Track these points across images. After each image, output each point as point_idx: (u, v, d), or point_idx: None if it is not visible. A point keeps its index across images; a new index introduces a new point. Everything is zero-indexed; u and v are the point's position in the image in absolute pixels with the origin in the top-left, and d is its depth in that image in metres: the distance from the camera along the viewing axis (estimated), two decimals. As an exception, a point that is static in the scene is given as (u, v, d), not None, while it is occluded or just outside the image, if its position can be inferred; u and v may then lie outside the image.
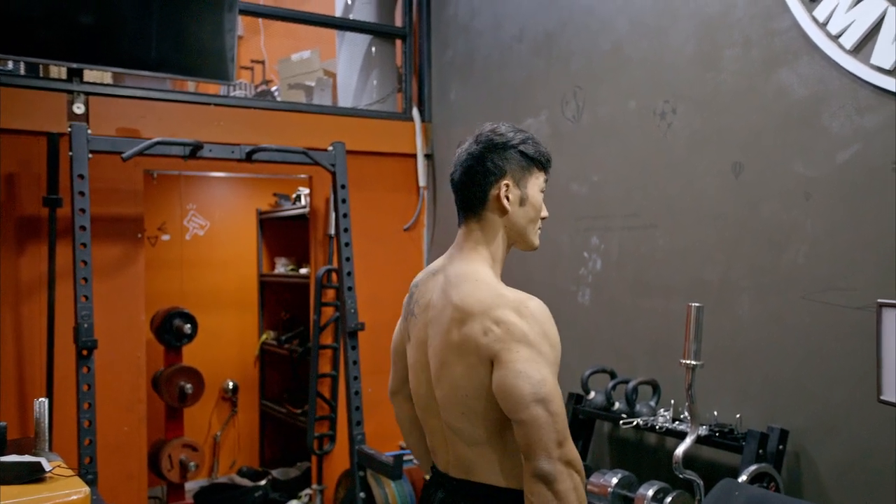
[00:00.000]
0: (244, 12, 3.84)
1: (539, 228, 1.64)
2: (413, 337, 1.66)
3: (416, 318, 1.65)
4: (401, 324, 1.75)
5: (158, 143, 3.13)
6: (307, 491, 4.22)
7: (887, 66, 2.08)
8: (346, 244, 3.53)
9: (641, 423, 2.58)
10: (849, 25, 2.17)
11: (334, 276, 3.92)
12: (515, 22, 3.55)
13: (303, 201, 4.65)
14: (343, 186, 3.53)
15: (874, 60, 2.11)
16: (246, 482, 4.86)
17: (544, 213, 1.64)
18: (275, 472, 4.91)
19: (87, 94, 3.29)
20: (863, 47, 2.15)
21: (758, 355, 2.45)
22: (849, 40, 2.17)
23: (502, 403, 1.45)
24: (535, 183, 1.61)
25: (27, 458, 2.10)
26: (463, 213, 1.62)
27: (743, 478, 2.14)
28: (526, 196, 1.60)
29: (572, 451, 1.42)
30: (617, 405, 2.75)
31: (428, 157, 4.19)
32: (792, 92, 2.35)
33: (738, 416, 2.42)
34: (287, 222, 5.25)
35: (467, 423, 1.53)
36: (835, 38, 2.21)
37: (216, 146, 3.30)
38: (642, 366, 2.84)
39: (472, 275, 1.54)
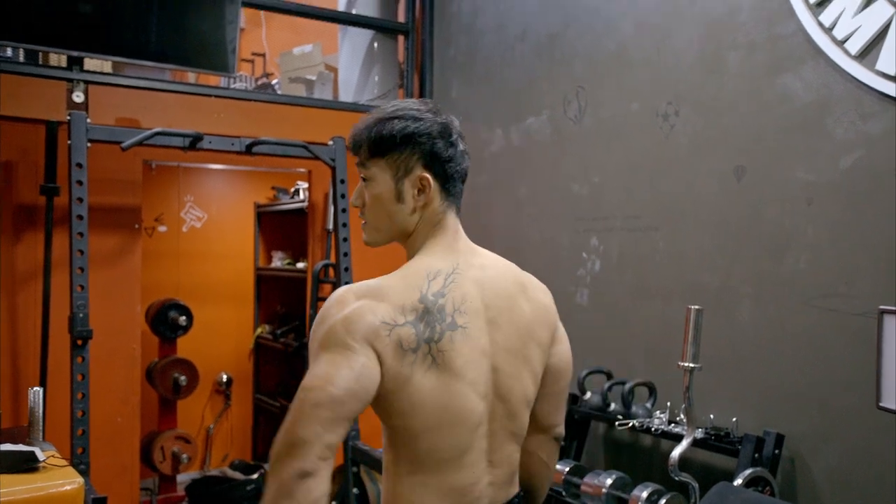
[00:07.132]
0: (246, 4, 3.81)
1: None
2: (459, 354, 1.33)
3: (463, 328, 1.35)
4: (398, 353, 1.28)
5: (158, 133, 3.11)
6: (300, 486, 4.21)
7: (893, 72, 2.07)
8: (345, 239, 3.52)
9: (637, 424, 2.57)
10: (855, 31, 2.16)
11: (331, 271, 3.90)
12: (518, 22, 3.54)
13: (301, 195, 4.64)
14: (343, 181, 3.51)
15: (880, 66, 2.11)
16: (238, 475, 4.85)
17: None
18: (267, 466, 4.89)
19: (87, 82, 3.27)
20: (868, 53, 2.14)
21: (756, 360, 2.44)
22: (854, 45, 2.16)
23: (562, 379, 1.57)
24: None
25: (21, 447, 2.09)
26: (458, 205, 1.47)
27: (738, 481, 2.14)
28: None
29: None
30: (613, 406, 2.75)
31: (428, 153, 4.17)
32: (796, 96, 2.34)
33: (734, 419, 2.42)
34: (285, 216, 5.24)
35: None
36: (840, 44, 2.20)
37: (216, 138, 3.28)
38: (639, 368, 2.84)
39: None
